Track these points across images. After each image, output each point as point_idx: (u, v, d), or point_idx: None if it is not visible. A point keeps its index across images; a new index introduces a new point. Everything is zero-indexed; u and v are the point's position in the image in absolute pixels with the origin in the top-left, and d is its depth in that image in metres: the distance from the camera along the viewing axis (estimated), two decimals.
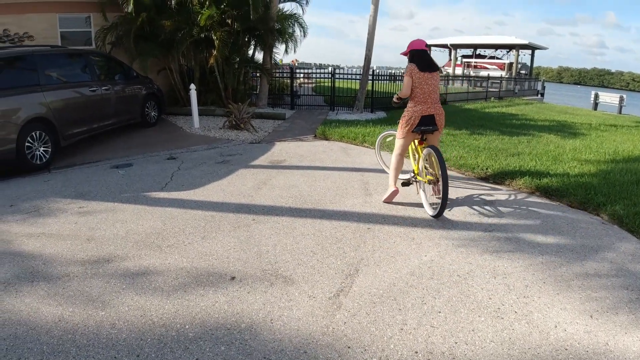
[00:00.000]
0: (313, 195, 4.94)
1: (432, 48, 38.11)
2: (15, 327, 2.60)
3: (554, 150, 7.42)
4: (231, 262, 3.36)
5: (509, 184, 5.46)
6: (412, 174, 4.73)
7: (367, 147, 7.47)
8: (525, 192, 5.22)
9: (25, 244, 3.75)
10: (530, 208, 4.67)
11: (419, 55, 4.49)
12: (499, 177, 5.64)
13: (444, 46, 37.47)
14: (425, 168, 4.47)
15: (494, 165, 6.09)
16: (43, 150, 6.34)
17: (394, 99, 4.67)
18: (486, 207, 4.62)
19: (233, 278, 3.12)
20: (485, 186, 5.42)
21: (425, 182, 4.46)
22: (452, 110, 13.67)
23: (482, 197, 4.99)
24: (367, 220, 4.22)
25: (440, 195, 4.17)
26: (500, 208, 4.62)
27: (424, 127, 4.37)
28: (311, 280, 3.10)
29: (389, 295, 2.91)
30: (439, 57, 38.55)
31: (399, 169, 4.65)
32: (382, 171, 5.81)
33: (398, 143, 4.59)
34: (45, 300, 2.87)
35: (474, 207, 4.62)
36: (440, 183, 4.14)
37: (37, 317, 2.70)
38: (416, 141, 4.64)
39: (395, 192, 4.62)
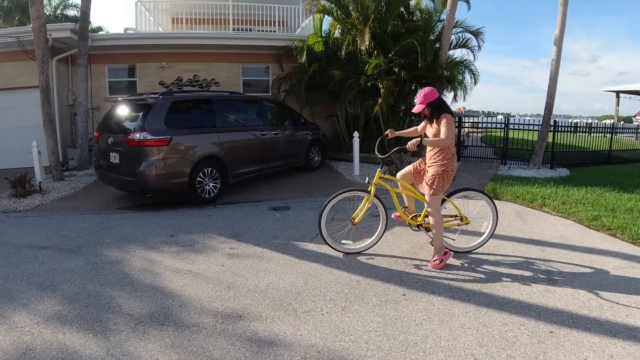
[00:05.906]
0: (478, 273, 4.03)
1: (620, 95, 32.50)
2: None
3: None
4: (370, 350, 2.72)
5: None
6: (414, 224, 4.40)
7: (547, 212, 6.16)
8: None
9: (170, 280, 3.78)
10: None
11: (446, 105, 4.01)
12: None
13: (636, 93, 31.36)
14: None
15: None
16: (212, 185, 6.75)
17: (410, 145, 3.73)
18: None
19: None
20: None
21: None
22: None
23: None
24: (550, 318, 3.12)
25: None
26: None
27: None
28: None
29: None
30: (627, 105, 32.65)
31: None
32: (572, 248, 4.59)
33: (437, 200, 4.03)
34: (166, 351, 2.69)
35: None
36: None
37: None
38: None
39: (449, 254, 4.28)
